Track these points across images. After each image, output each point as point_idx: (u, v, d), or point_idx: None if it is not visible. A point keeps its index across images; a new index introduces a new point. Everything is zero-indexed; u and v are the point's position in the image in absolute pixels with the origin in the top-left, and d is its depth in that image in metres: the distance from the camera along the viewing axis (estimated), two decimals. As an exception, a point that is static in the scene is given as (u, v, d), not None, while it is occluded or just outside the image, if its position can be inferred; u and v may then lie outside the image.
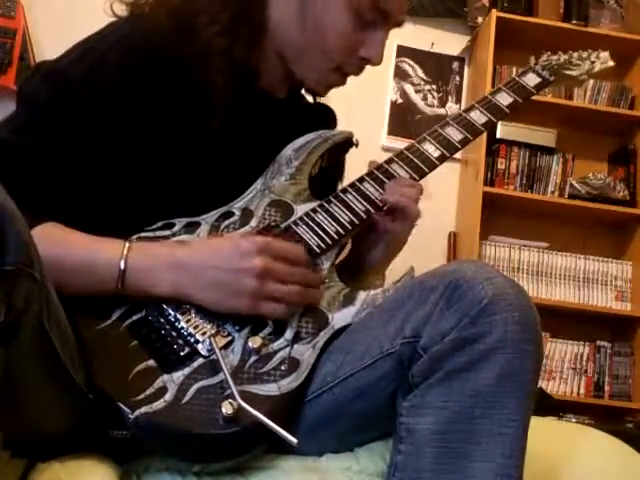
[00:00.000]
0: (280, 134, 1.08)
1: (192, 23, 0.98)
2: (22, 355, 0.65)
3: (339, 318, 0.90)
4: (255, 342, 0.83)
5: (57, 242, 0.84)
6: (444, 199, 2.91)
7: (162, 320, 0.85)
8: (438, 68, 3.08)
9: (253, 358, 0.83)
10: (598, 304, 2.85)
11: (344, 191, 1.03)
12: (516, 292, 0.77)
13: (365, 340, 0.84)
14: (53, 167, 0.90)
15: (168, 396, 0.77)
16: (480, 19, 2.99)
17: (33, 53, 2.61)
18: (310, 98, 1.20)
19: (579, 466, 0.95)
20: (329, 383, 0.85)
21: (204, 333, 0.84)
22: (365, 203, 1.01)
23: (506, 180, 2.90)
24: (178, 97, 0.95)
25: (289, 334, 0.86)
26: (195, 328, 0.85)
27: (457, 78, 3.09)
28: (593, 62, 1.26)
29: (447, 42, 3.07)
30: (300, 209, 1.00)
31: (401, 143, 2.81)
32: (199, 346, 0.83)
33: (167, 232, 0.94)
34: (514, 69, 2.92)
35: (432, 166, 1.07)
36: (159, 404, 0.76)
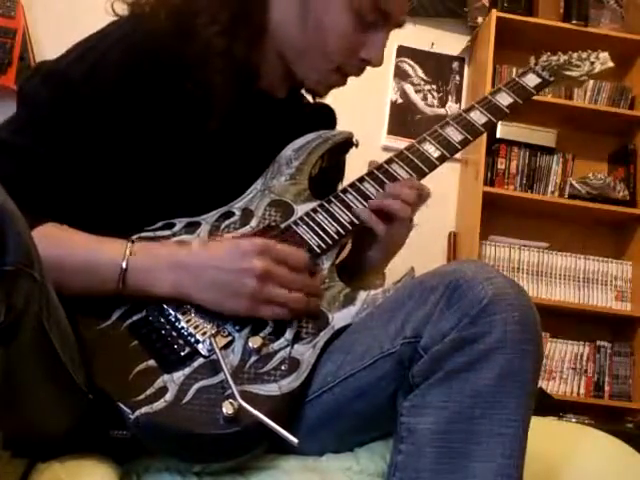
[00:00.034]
0: (280, 134, 1.08)
1: (192, 23, 0.98)
2: (22, 355, 0.65)
3: (339, 318, 0.90)
4: (255, 342, 0.83)
5: (58, 242, 0.84)
6: (444, 199, 2.91)
7: (162, 320, 0.85)
8: (438, 68, 3.08)
9: (253, 358, 0.83)
10: (598, 304, 2.85)
11: (344, 191, 1.03)
12: (516, 292, 0.77)
13: (365, 340, 0.85)
14: (53, 167, 0.90)
15: (168, 396, 0.77)
16: (480, 19, 2.99)
17: (33, 53, 2.61)
18: (310, 98, 1.20)
19: (579, 466, 0.95)
20: (329, 383, 0.85)
21: (204, 333, 0.84)
22: (365, 203, 1.01)
23: (506, 180, 2.90)
24: (178, 97, 0.95)
25: (289, 334, 0.86)
26: (195, 328, 0.85)
27: (457, 78, 3.09)
28: (593, 63, 1.26)
29: (447, 42, 3.07)
30: (300, 209, 1.00)
31: (401, 143, 2.81)
32: (199, 346, 0.83)
33: (167, 232, 0.94)
34: (514, 69, 2.92)
35: (432, 166, 1.07)
36: (159, 404, 0.76)
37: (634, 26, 3.00)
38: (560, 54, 1.25)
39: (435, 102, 3.05)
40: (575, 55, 1.26)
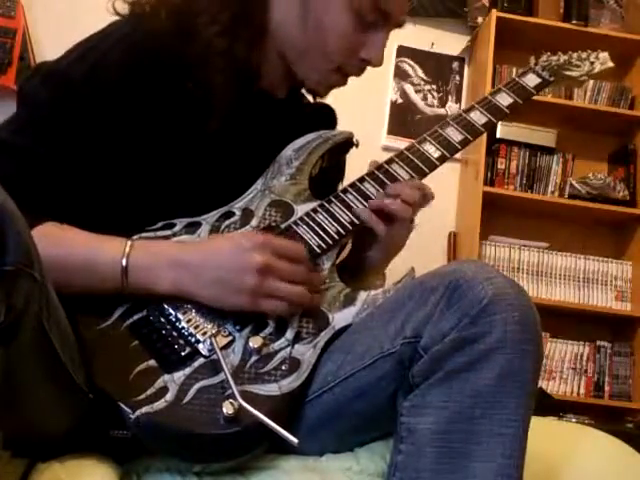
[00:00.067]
0: (280, 134, 1.08)
1: (192, 23, 0.98)
2: (22, 355, 0.65)
3: (340, 318, 0.90)
4: (256, 342, 0.83)
5: (58, 241, 0.84)
6: (444, 199, 2.91)
7: (163, 320, 0.85)
8: (438, 68, 3.08)
9: (254, 358, 0.83)
10: (598, 304, 2.85)
11: (344, 191, 1.03)
12: (516, 292, 0.77)
13: (366, 340, 0.85)
14: (53, 167, 0.90)
15: (169, 396, 0.77)
16: (480, 19, 2.99)
17: (33, 53, 2.61)
18: (310, 98, 1.20)
19: (579, 466, 0.95)
20: (330, 383, 0.85)
21: (205, 333, 0.84)
22: (365, 203, 1.01)
23: (506, 180, 2.90)
24: (179, 97, 0.96)
25: (290, 334, 0.86)
26: (196, 328, 0.85)
27: (457, 78, 3.09)
28: (593, 63, 1.26)
29: (447, 42, 3.07)
30: (300, 209, 1.00)
31: (401, 143, 2.81)
32: (200, 346, 0.83)
33: (168, 232, 0.94)
34: (514, 69, 2.92)
35: (432, 166, 1.07)
36: (160, 404, 0.76)
37: (634, 26, 3.00)
38: (560, 54, 1.25)
39: (435, 102, 3.05)
40: (575, 55, 1.26)
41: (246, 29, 1.01)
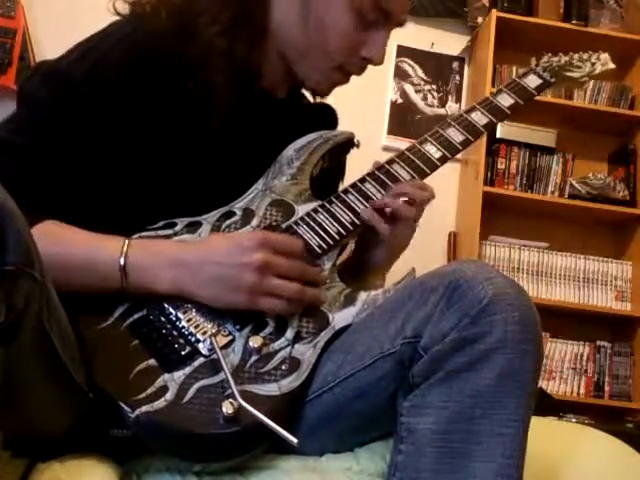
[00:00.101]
0: (281, 134, 1.08)
1: (193, 23, 0.98)
2: (22, 355, 0.65)
3: (340, 318, 0.90)
4: (256, 342, 0.83)
5: (58, 240, 0.84)
6: (444, 199, 2.91)
7: (163, 319, 0.85)
8: (438, 68, 3.08)
9: (254, 358, 0.83)
10: (598, 304, 2.85)
11: (345, 191, 1.03)
12: (516, 292, 0.77)
13: (366, 340, 0.85)
14: (53, 167, 0.90)
15: (169, 395, 0.77)
16: (480, 19, 2.99)
17: (33, 53, 2.61)
18: (311, 98, 1.19)
19: (579, 466, 0.95)
20: (329, 383, 0.85)
21: (205, 332, 0.84)
22: (366, 203, 1.01)
23: (506, 180, 2.90)
24: (179, 97, 0.95)
25: (290, 334, 0.86)
26: (196, 327, 0.85)
27: (457, 78, 3.09)
28: (594, 64, 1.26)
29: (447, 42, 3.07)
30: (301, 209, 1.00)
31: (401, 143, 2.81)
32: (200, 345, 0.83)
33: (169, 231, 0.94)
34: (514, 69, 2.93)
35: (433, 167, 1.07)
36: (160, 403, 0.76)
37: (634, 26, 3.00)
38: (561, 55, 1.25)
39: (435, 102, 3.05)
40: (576, 56, 1.26)
41: (246, 29, 1.01)
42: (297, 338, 0.86)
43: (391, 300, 0.88)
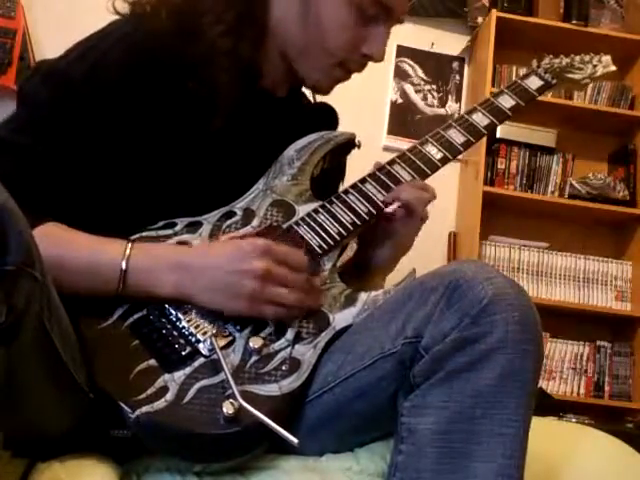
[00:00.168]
0: (282, 133, 1.08)
1: (196, 22, 0.98)
2: (23, 355, 0.65)
3: (340, 319, 0.90)
4: (256, 342, 0.83)
5: (59, 242, 0.84)
6: (444, 199, 2.91)
7: (163, 320, 0.85)
8: (438, 68, 3.08)
9: (254, 358, 0.83)
10: (598, 304, 2.85)
11: (346, 192, 1.03)
12: (516, 292, 0.77)
13: (366, 340, 0.84)
14: (54, 167, 0.90)
15: (169, 396, 0.77)
16: (480, 19, 2.99)
17: (33, 53, 2.61)
18: (311, 97, 1.19)
19: (579, 466, 0.95)
20: (330, 383, 0.85)
21: (205, 333, 0.84)
22: (367, 204, 1.01)
23: (506, 180, 2.90)
24: (179, 96, 0.95)
25: (290, 334, 0.86)
26: (196, 328, 0.85)
27: (457, 78, 3.09)
28: (595, 66, 1.26)
29: (447, 42, 3.07)
30: (302, 209, 1.00)
31: (401, 143, 2.81)
32: (200, 346, 0.83)
33: (169, 231, 0.94)
34: (514, 69, 2.93)
35: (434, 168, 1.07)
36: (160, 403, 0.76)
37: (634, 26, 3.00)
38: (562, 57, 1.25)
39: (435, 102, 3.05)
40: (577, 58, 1.26)
41: (251, 28, 1.01)
42: (297, 339, 0.86)
43: (391, 300, 0.88)
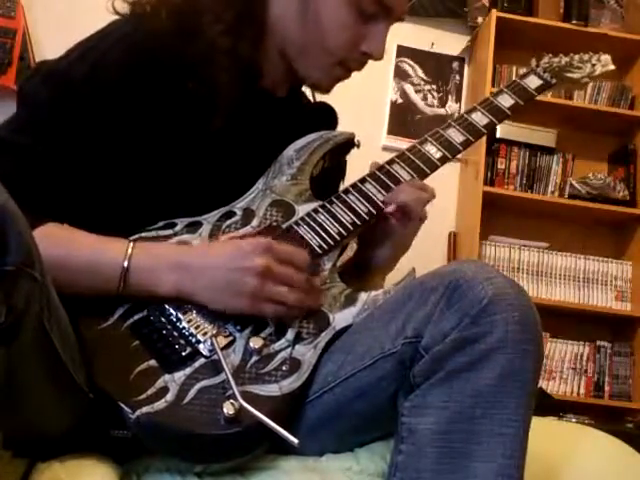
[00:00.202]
0: (281, 133, 1.08)
1: (195, 22, 0.98)
2: (23, 355, 0.65)
3: (340, 319, 0.90)
4: (256, 342, 0.83)
5: (60, 242, 0.84)
6: (444, 199, 2.91)
7: (163, 320, 0.85)
8: (438, 68, 3.08)
9: (254, 358, 0.83)
10: (598, 304, 2.85)
11: (346, 192, 1.03)
12: (516, 292, 0.77)
13: (366, 340, 0.84)
14: (54, 167, 0.90)
15: (169, 396, 0.77)
16: (480, 19, 2.99)
17: (33, 53, 2.61)
18: (311, 97, 1.19)
19: (579, 466, 0.95)
20: (330, 383, 0.85)
21: (205, 333, 0.84)
22: (367, 204, 1.01)
23: (506, 180, 2.90)
24: (179, 96, 0.95)
25: (290, 335, 0.86)
26: (196, 328, 0.85)
27: (457, 78, 3.09)
28: (594, 65, 1.26)
29: (447, 42, 3.07)
30: (301, 209, 1.00)
31: (401, 143, 2.81)
32: (200, 346, 0.83)
33: (169, 231, 0.94)
34: (514, 69, 2.93)
35: (434, 167, 1.07)
36: (160, 404, 0.76)
37: (634, 26, 3.00)
38: (561, 56, 1.25)
39: (435, 102, 3.05)
40: (576, 57, 1.26)
41: (250, 28, 1.01)
42: (297, 339, 0.86)
43: (391, 300, 0.88)
